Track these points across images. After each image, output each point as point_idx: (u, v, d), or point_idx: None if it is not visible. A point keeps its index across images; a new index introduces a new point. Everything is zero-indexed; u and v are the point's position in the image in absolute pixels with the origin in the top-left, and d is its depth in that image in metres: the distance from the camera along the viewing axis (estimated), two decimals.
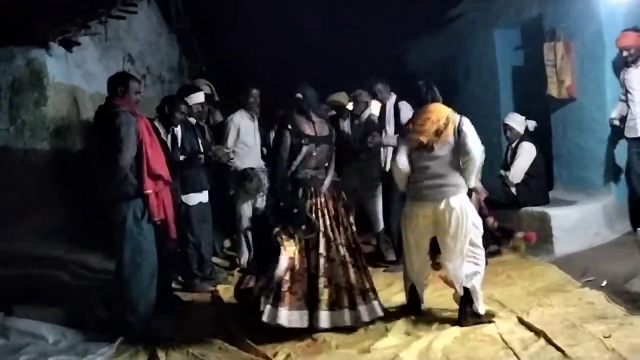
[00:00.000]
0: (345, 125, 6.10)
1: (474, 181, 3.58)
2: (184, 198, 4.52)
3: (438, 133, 3.44)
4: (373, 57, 7.79)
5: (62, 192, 4.88)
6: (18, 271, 4.17)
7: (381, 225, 5.43)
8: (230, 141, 5.22)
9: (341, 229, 3.67)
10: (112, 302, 3.72)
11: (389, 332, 3.49)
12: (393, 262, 5.17)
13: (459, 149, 3.44)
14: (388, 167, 5.02)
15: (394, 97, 5.17)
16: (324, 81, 6.52)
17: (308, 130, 3.70)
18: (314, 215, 3.58)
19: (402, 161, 3.59)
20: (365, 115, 5.57)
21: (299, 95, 3.76)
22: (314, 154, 3.69)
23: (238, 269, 5.37)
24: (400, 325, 3.58)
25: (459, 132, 3.43)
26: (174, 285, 4.66)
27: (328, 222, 3.61)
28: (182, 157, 4.47)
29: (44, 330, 3.67)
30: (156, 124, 4.29)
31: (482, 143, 7.04)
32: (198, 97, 4.90)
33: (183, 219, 4.46)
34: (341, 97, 6.15)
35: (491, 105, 6.56)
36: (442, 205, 3.39)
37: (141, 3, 6.42)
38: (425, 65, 7.67)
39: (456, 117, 3.50)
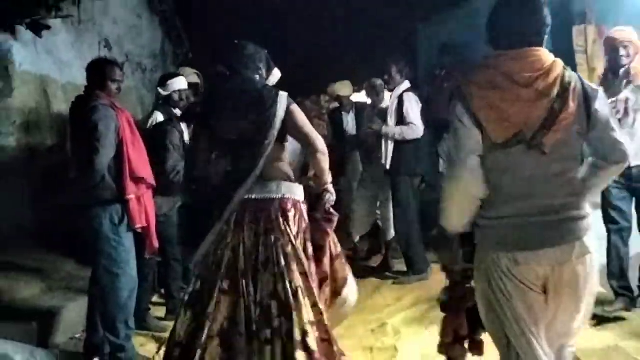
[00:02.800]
0: (350, 119, 6.11)
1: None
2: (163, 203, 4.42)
3: (550, 120, 1.93)
4: (379, 41, 7.82)
5: (30, 193, 4.88)
6: None
7: (392, 233, 5.42)
8: None
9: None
10: (87, 319, 3.71)
11: (399, 354, 3.48)
12: (403, 273, 5.17)
13: (593, 138, 2.07)
14: (388, 165, 5.06)
15: (404, 85, 5.15)
16: (327, 67, 6.58)
17: None
18: None
19: (473, 167, 2.01)
20: (383, 105, 5.42)
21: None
22: None
23: None
24: (411, 346, 3.57)
25: (589, 108, 2.00)
26: (155, 299, 4.66)
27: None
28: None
29: (11, 349, 3.63)
30: None
31: None
32: (179, 83, 4.76)
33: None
34: (345, 87, 6.14)
35: None
36: (576, 254, 1.99)
37: None
38: (436, 51, 7.65)
39: (576, 77, 2.03)
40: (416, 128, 4.99)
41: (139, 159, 3.54)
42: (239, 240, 2.70)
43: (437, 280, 4.90)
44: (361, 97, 6.07)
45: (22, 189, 4.87)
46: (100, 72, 3.56)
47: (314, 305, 2.65)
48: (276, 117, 2.71)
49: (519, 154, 1.95)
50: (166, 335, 3.69)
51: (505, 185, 2.00)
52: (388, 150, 5.05)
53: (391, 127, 5.03)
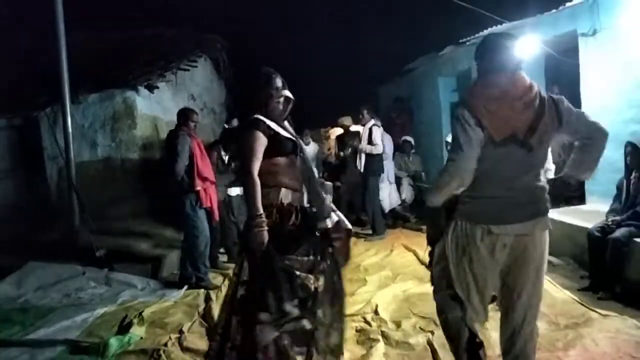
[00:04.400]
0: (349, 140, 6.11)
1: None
2: (228, 191, 4.45)
3: (534, 124, 1.60)
4: (358, 94, 7.90)
5: (146, 187, 4.89)
6: (118, 240, 4.18)
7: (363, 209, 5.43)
8: None
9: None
10: (180, 262, 3.73)
11: (367, 283, 3.46)
12: (370, 234, 5.18)
13: (573, 130, 1.69)
14: (362, 169, 5.09)
15: (372, 121, 5.17)
16: (335, 110, 6.67)
17: None
18: None
19: (471, 163, 1.62)
20: (367, 128, 5.16)
21: None
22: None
23: None
24: (375, 278, 3.56)
25: (558, 113, 1.65)
26: (221, 250, 4.66)
27: None
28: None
29: (135, 280, 3.69)
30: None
31: (428, 156, 6.77)
32: (235, 122, 4.57)
33: (225, 205, 4.38)
34: (348, 120, 6.20)
35: (436, 127, 6.52)
36: (538, 228, 1.65)
37: (200, 59, 6.43)
38: (392, 101, 7.68)
39: (546, 93, 1.69)
40: (378, 147, 5.02)
41: (204, 166, 3.56)
42: None
43: (390, 239, 4.94)
44: (355, 127, 6.05)
45: (141, 184, 4.90)
46: (184, 115, 3.59)
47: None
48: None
49: (510, 149, 1.60)
50: (228, 272, 3.70)
51: (490, 171, 1.62)
52: (362, 160, 5.08)
53: (363, 145, 5.06)
